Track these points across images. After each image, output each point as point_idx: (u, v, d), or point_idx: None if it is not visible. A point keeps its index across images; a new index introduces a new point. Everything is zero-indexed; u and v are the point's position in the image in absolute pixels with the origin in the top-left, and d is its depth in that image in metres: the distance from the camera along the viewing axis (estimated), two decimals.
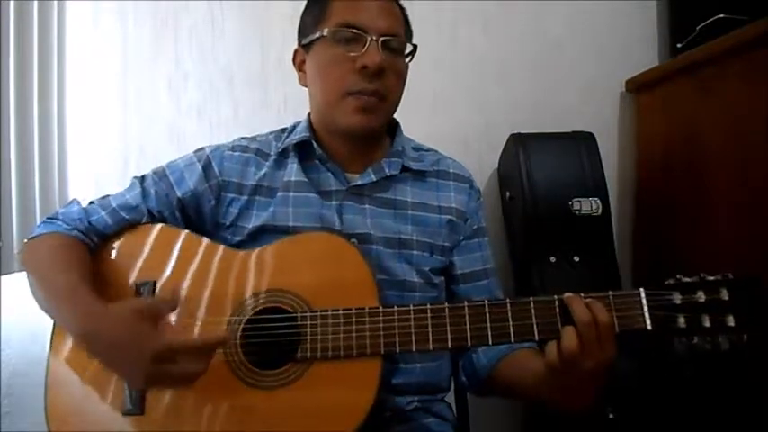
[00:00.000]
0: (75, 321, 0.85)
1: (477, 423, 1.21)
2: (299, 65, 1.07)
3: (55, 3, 1.59)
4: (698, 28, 1.51)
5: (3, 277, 1.40)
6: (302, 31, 1.05)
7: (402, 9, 1.04)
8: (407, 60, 1.03)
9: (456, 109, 1.78)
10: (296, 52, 1.07)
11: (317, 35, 0.99)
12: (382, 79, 0.97)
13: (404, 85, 1.04)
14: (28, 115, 1.51)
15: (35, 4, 1.54)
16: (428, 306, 0.85)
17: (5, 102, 1.46)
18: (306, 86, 1.06)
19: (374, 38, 0.95)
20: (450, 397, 1.13)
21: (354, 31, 0.96)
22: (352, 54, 0.96)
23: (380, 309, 0.85)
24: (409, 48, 1.02)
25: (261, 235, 0.98)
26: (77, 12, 1.68)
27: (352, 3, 0.98)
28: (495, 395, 1.05)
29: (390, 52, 0.98)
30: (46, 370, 0.94)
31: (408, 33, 1.05)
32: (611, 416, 1.41)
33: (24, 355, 1.53)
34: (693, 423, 1.45)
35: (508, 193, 1.66)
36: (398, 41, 0.99)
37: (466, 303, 0.84)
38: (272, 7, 1.70)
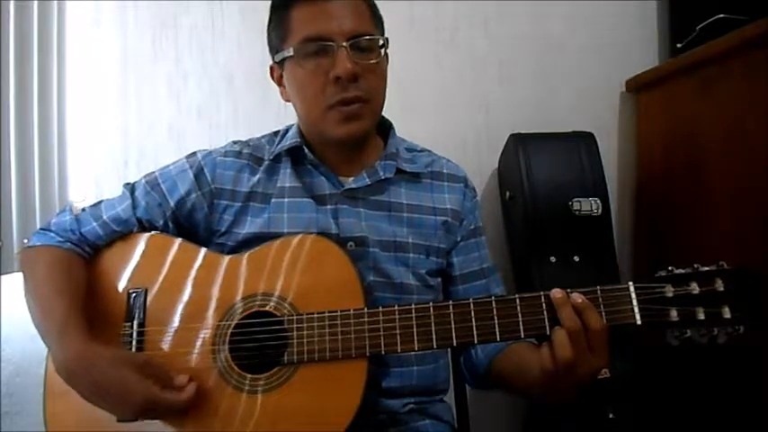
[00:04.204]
0: (62, 361, 0.86)
1: (477, 423, 1.21)
2: (278, 80, 1.04)
3: (55, 3, 1.59)
4: (698, 28, 1.51)
5: (3, 277, 1.40)
6: (271, 47, 1.03)
7: (367, 0, 0.99)
8: (383, 53, 0.98)
9: (456, 109, 1.78)
10: (272, 68, 1.05)
11: (286, 54, 0.97)
12: (360, 83, 0.94)
13: (385, 79, 1.01)
14: (28, 115, 1.51)
15: (35, 4, 1.54)
16: (413, 306, 0.84)
17: (5, 102, 1.46)
18: (289, 101, 1.04)
19: (342, 44, 0.92)
20: (451, 398, 1.13)
21: (319, 43, 0.93)
22: (323, 67, 0.94)
23: (365, 310, 0.85)
24: (381, 41, 0.98)
25: (256, 242, 0.96)
26: (77, 12, 1.67)
27: (311, 11, 0.94)
28: (495, 389, 1.04)
29: (362, 52, 0.95)
30: (44, 377, 0.95)
31: (379, 25, 1.00)
32: (611, 416, 1.41)
33: (24, 355, 1.53)
34: (693, 422, 1.45)
35: (508, 193, 1.66)
36: (368, 39, 0.95)
37: (451, 303, 0.84)
38: None
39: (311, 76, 0.95)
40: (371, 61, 0.96)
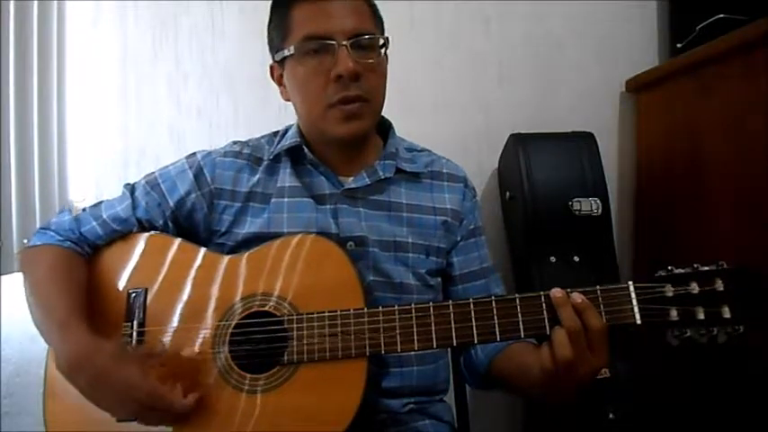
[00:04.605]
0: (64, 353, 0.86)
1: (477, 423, 1.21)
2: (278, 79, 1.04)
3: (55, 3, 1.59)
4: (698, 28, 1.51)
5: (3, 277, 1.40)
6: (272, 46, 1.03)
7: (367, 0, 1.00)
8: (383, 53, 0.99)
9: (456, 109, 1.78)
10: (272, 68, 1.05)
11: (286, 52, 0.97)
12: (361, 82, 0.94)
13: (385, 79, 1.01)
14: (28, 116, 1.51)
15: (35, 4, 1.53)
16: (413, 306, 0.84)
17: (5, 102, 1.46)
18: (289, 101, 1.04)
19: (342, 42, 0.92)
20: (451, 398, 1.13)
21: (320, 41, 0.93)
22: (324, 65, 0.94)
23: (365, 310, 0.85)
24: (382, 40, 0.98)
25: (256, 242, 0.96)
26: (77, 12, 1.67)
27: (312, 10, 0.95)
28: (495, 389, 1.05)
29: (363, 50, 0.95)
30: (44, 377, 0.95)
31: (379, 24, 1.01)
32: (611, 416, 1.41)
33: (24, 355, 1.53)
34: (693, 422, 1.45)
35: (508, 193, 1.66)
36: (369, 38, 0.95)
37: (450, 303, 0.84)
38: None
39: (312, 75, 0.95)
40: (371, 60, 0.96)
